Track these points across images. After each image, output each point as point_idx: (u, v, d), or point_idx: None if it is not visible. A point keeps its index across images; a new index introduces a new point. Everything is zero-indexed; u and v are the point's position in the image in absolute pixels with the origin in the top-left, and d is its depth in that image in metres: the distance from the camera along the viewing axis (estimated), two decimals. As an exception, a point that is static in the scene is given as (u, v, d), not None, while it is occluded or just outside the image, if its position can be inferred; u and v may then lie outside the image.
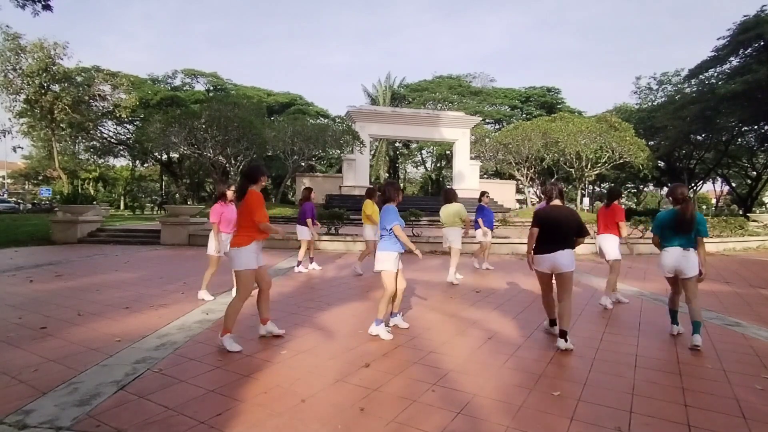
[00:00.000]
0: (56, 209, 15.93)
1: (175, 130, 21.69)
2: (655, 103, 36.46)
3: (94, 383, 3.07)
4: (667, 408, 2.83)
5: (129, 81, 28.02)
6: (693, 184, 36.39)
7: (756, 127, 28.94)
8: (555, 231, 4.06)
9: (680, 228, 4.07)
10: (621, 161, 26.82)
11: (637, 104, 38.63)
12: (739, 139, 31.83)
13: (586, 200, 35.41)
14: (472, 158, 30.97)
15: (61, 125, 25.17)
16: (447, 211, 7.13)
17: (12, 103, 23.57)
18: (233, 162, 23.66)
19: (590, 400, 2.93)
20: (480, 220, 8.43)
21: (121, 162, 43.18)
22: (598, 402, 2.90)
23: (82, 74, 27.34)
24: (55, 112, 23.47)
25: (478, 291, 6.54)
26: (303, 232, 8.06)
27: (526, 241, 4.32)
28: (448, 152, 37.08)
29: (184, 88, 38.89)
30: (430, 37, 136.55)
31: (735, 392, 3.09)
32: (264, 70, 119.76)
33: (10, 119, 24.59)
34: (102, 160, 38.42)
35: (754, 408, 2.85)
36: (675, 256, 4.11)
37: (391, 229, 4.21)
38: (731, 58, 27.61)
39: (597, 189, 43.74)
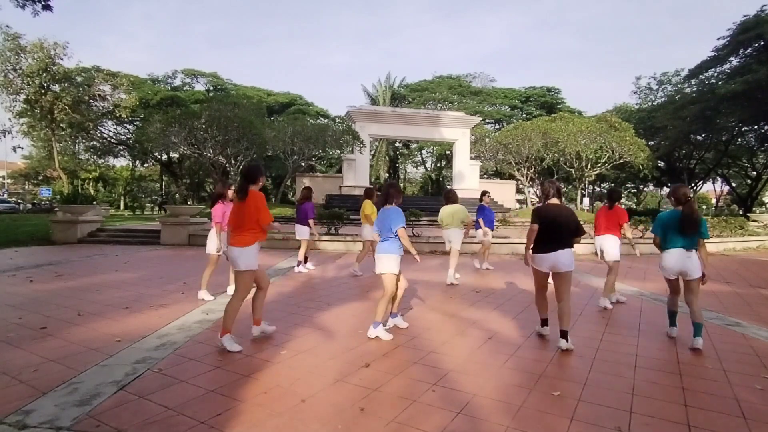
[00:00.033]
0: (56, 209, 15.93)
1: (175, 130, 21.69)
2: (655, 103, 36.45)
3: (94, 383, 3.07)
4: (667, 408, 2.83)
5: (129, 81, 28.02)
6: (693, 184, 36.38)
7: (756, 127, 28.93)
8: (554, 230, 4.03)
9: (686, 229, 3.99)
10: (621, 161, 26.82)
11: (637, 104, 38.64)
12: (739, 139, 31.82)
13: (586, 200, 35.39)
14: (472, 158, 30.96)
15: (61, 125, 25.17)
16: (447, 211, 7.12)
17: (12, 103, 23.58)
18: (233, 162, 23.66)
19: (590, 400, 2.93)
20: (481, 220, 8.43)
21: (121, 162, 43.24)
22: (598, 402, 2.90)
23: (82, 74, 27.35)
24: (55, 112, 23.47)
25: (478, 291, 6.54)
26: (303, 232, 8.05)
27: (525, 240, 4.29)
28: (448, 152, 37.08)
29: (184, 88, 38.88)
30: (430, 37, 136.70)
31: (735, 392, 3.09)
32: (264, 70, 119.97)
33: (10, 119, 24.62)
34: (102, 160, 38.41)
35: (754, 408, 2.85)
36: (678, 257, 4.05)
37: (396, 231, 4.20)
38: (731, 58, 27.61)
39: (597, 189, 43.73)
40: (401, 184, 40.73)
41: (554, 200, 4.21)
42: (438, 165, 45.31)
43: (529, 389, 3.09)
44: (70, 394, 2.91)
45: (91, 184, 43.97)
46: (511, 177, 32.69)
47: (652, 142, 32.09)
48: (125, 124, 34.19)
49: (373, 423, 2.59)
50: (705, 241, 4.12)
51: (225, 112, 21.82)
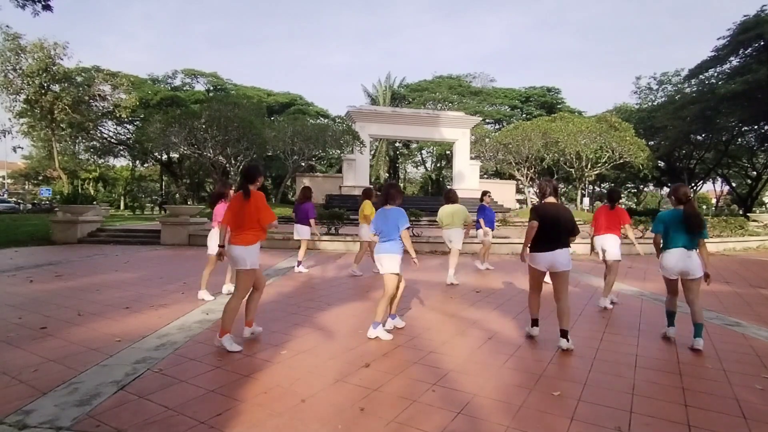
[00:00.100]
0: (56, 209, 15.93)
1: (175, 130, 21.70)
2: (655, 103, 36.46)
3: (94, 383, 3.07)
4: (667, 408, 2.83)
5: (129, 81, 28.04)
6: (693, 184, 36.38)
7: (756, 127, 28.93)
8: (553, 229, 4.01)
9: (693, 228, 3.97)
10: (621, 161, 26.83)
11: (637, 104, 38.65)
12: (739, 139, 31.83)
13: (586, 200, 35.40)
14: (472, 158, 30.97)
15: (61, 125, 25.18)
16: (447, 211, 7.11)
17: (12, 103, 23.60)
18: (233, 162, 23.67)
19: (590, 400, 2.93)
20: (481, 220, 8.42)
21: (121, 162, 43.26)
22: (598, 402, 2.90)
23: (82, 74, 27.36)
24: (55, 112, 23.48)
25: (478, 291, 6.54)
26: (303, 232, 8.04)
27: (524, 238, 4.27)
28: (448, 152, 37.09)
29: (184, 88, 38.90)
30: (430, 37, 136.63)
31: (735, 392, 3.09)
32: (264, 70, 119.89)
33: (10, 119, 24.64)
34: (102, 160, 38.43)
35: (754, 408, 2.85)
36: (679, 257, 4.02)
37: (400, 232, 4.20)
38: (731, 58, 27.61)
39: (597, 189, 43.73)
40: (401, 184, 40.76)
41: (551, 199, 4.19)
42: (438, 165, 45.32)
43: (529, 389, 3.09)
44: (70, 394, 2.91)
45: (91, 184, 43.97)
46: (511, 177, 32.71)
47: (652, 142, 32.11)
48: (125, 124, 34.21)
49: (373, 423, 2.59)
50: (705, 241, 4.11)
51: (225, 112, 21.83)
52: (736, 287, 7.11)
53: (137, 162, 41.65)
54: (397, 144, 44.13)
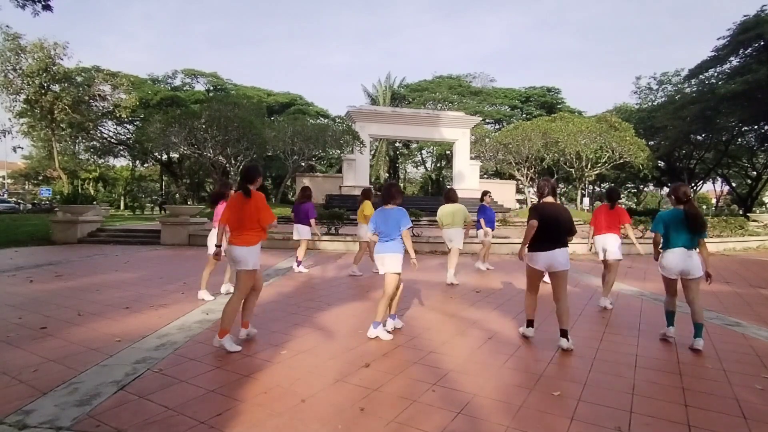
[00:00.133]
0: (56, 209, 15.93)
1: (175, 130, 21.70)
2: (655, 103, 36.47)
3: (94, 383, 3.07)
4: (667, 408, 2.83)
5: (129, 81, 28.04)
6: (693, 184, 36.39)
7: (756, 127, 28.93)
8: (552, 228, 4.01)
9: (695, 228, 3.96)
10: (621, 161, 26.84)
11: (637, 104, 38.66)
12: (739, 139, 31.83)
13: (586, 200, 35.43)
14: (472, 158, 30.97)
15: (61, 125, 25.19)
16: (446, 210, 7.11)
17: (12, 103, 23.60)
18: (233, 162, 23.67)
19: (590, 400, 2.93)
20: (482, 220, 8.42)
21: (121, 162, 43.27)
22: (598, 402, 2.90)
23: (82, 74, 27.37)
24: (55, 112, 23.48)
25: (478, 291, 6.54)
26: (303, 232, 8.04)
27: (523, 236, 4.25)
28: (448, 152, 37.09)
29: (184, 88, 38.90)
30: (430, 37, 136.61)
31: (735, 392, 3.09)
32: (264, 70, 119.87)
33: (10, 119, 24.65)
34: (102, 160, 38.44)
35: (754, 408, 2.85)
36: (679, 257, 4.01)
37: (402, 232, 4.19)
38: (731, 58, 27.62)
39: (597, 189, 43.74)
40: (401, 184, 40.76)
41: (549, 198, 4.18)
42: (438, 165, 45.32)
43: (529, 389, 3.09)
44: (70, 394, 2.91)
45: (91, 184, 43.96)
46: (511, 177, 32.72)
47: (652, 142, 32.11)
48: (125, 124, 34.22)
49: (373, 423, 2.59)
50: (704, 240, 4.11)
51: (225, 112, 21.83)
52: (736, 287, 7.11)
53: (137, 162, 41.66)
54: (397, 144, 44.14)
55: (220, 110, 21.84)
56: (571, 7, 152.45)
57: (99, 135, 32.62)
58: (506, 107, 43.61)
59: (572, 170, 28.29)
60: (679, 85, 34.57)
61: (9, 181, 51.95)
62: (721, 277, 7.97)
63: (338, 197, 26.38)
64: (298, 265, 8.02)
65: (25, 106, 24.16)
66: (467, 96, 42.89)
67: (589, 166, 27.38)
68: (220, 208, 5.53)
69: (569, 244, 4.16)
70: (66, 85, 24.46)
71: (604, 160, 26.83)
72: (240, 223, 3.88)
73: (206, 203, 20.49)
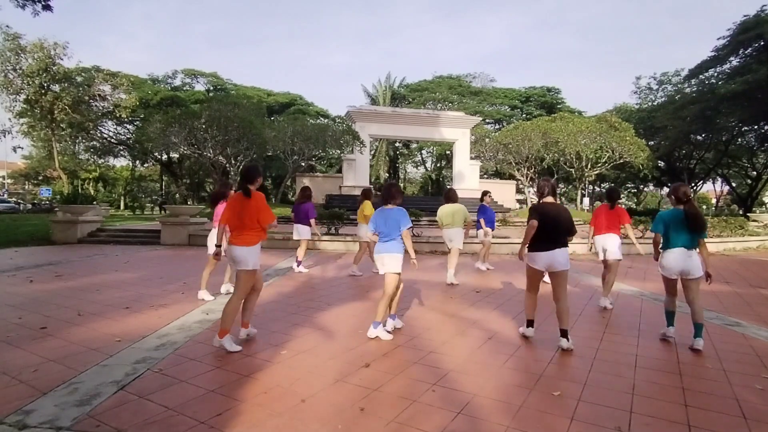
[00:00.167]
0: (56, 209, 15.93)
1: (175, 130, 21.71)
2: (655, 103, 36.47)
3: (94, 383, 3.07)
4: (667, 408, 2.83)
5: (129, 81, 28.04)
6: (693, 184, 36.39)
7: (756, 127, 28.93)
8: (552, 228, 4.01)
9: (693, 227, 3.96)
10: (621, 161, 26.84)
11: (637, 104, 38.66)
12: (739, 139, 31.83)
13: (586, 200, 35.43)
14: (472, 158, 30.97)
15: (61, 125, 25.19)
16: (446, 210, 7.11)
17: (12, 103, 23.60)
18: (233, 162, 23.67)
19: (590, 400, 2.93)
20: (482, 220, 8.41)
21: (121, 162, 43.27)
22: (598, 402, 2.90)
23: (82, 74, 27.37)
24: (55, 112, 23.48)
25: (478, 291, 6.54)
26: (303, 232, 8.04)
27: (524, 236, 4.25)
28: (448, 152, 37.09)
29: (184, 88, 38.90)
30: (430, 37, 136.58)
31: (735, 392, 3.09)
32: (264, 70, 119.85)
33: (10, 119, 24.65)
34: (102, 160, 38.44)
35: (754, 408, 2.85)
36: (679, 257, 4.00)
37: (402, 232, 4.19)
38: (731, 58, 27.62)
39: (597, 189, 43.74)
40: (401, 184, 40.76)
41: (549, 198, 4.18)
42: (438, 165, 45.32)
43: (529, 389, 3.09)
44: (70, 394, 2.91)
45: (91, 184, 43.97)
46: (511, 177, 32.72)
47: (652, 142, 32.11)
48: (125, 124, 34.22)
49: (373, 423, 2.59)
50: (705, 240, 4.11)
51: (225, 112, 21.83)
52: (736, 287, 7.11)
53: (137, 162, 41.66)
54: (397, 144, 44.14)
55: (220, 110, 21.84)
56: (571, 7, 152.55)
57: (99, 135, 32.62)
58: (506, 107, 43.60)
59: (572, 170, 28.30)
60: (679, 85, 34.57)
61: (9, 181, 51.96)
62: (721, 277, 7.97)
63: (338, 197, 26.38)
64: (298, 265, 8.02)
65: (25, 106, 24.16)
66: (467, 96, 42.89)
67: (589, 166, 27.39)
68: (220, 208, 5.52)
69: (569, 244, 4.16)
70: (66, 85, 24.46)
71: (604, 160, 26.84)
72: (240, 223, 3.87)
73: (206, 203, 20.46)
